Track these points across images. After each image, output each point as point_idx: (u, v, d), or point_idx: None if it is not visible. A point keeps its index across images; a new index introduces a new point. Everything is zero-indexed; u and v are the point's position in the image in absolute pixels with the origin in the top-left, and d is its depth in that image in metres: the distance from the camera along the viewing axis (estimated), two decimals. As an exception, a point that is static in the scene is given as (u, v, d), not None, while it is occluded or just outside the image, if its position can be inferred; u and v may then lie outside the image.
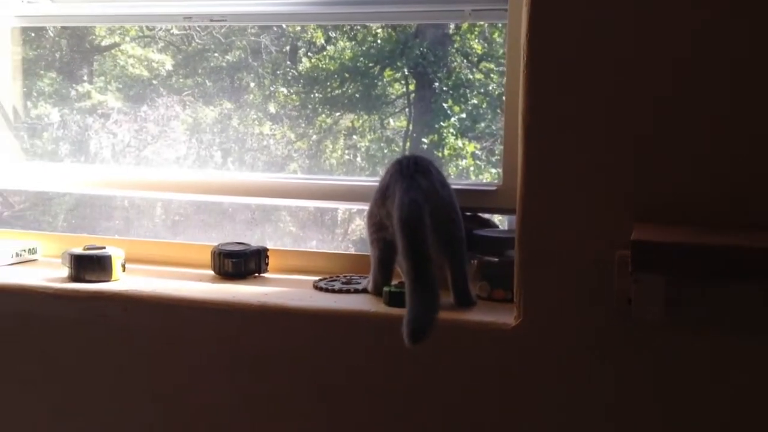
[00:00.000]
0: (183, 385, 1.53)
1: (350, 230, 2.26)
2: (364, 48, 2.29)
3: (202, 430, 1.53)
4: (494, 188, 1.59)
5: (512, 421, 1.36)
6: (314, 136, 2.31)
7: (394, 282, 1.48)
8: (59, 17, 2.02)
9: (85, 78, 2.40)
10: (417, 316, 1.27)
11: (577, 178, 1.29)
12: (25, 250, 1.80)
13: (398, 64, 2.25)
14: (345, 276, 1.64)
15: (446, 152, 2.16)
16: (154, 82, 2.41)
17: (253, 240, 1.74)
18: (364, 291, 1.54)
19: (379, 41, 2.27)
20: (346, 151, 2.33)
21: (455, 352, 1.36)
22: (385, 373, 1.41)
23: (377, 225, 1.47)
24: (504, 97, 1.56)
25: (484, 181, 2.12)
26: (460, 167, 2.19)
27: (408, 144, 2.26)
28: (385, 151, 2.31)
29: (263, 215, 2.13)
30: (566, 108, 1.29)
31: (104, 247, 1.64)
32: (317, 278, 1.62)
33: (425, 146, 2.21)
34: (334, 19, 2.04)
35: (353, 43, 2.32)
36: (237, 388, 1.49)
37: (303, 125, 2.31)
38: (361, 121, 2.31)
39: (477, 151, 2.23)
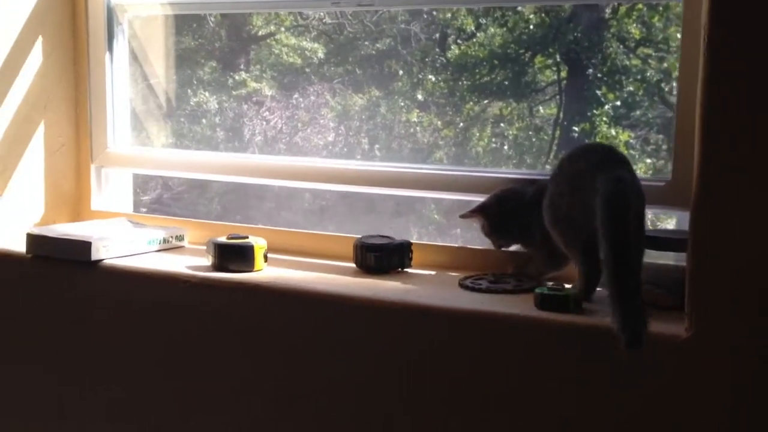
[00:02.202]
0: (316, 382, 1.51)
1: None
2: (515, 34, 2.24)
3: (336, 429, 1.51)
4: (663, 183, 1.47)
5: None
6: (461, 124, 2.28)
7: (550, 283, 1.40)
8: (213, 4, 2.09)
9: (242, 66, 2.49)
10: (626, 321, 1.15)
11: (760, 176, 1.16)
12: (172, 237, 1.82)
13: (550, 50, 2.19)
14: (494, 274, 1.55)
15: (599, 139, 2.08)
16: (307, 70, 2.46)
17: (397, 227, 1.73)
18: (515, 291, 1.46)
19: (531, 27, 2.21)
20: (493, 140, 2.29)
21: (619, 366, 1.25)
22: (531, 385, 1.33)
23: (566, 220, 1.37)
24: (676, 86, 1.45)
25: (650, 174, 2.01)
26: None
27: (558, 132, 2.19)
28: (533, 139, 2.25)
29: (407, 203, 2.13)
30: (752, 102, 1.16)
31: (247, 237, 1.64)
32: (463, 276, 1.55)
33: (576, 134, 2.13)
34: (485, 2, 2.00)
35: (504, 29, 2.27)
36: (373, 388, 1.46)
37: (450, 113, 2.29)
38: (509, 109, 2.27)
39: (631, 140, 2.13)
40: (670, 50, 2.09)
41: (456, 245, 1.71)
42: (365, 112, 2.31)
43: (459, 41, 2.35)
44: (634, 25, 2.11)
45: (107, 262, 1.67)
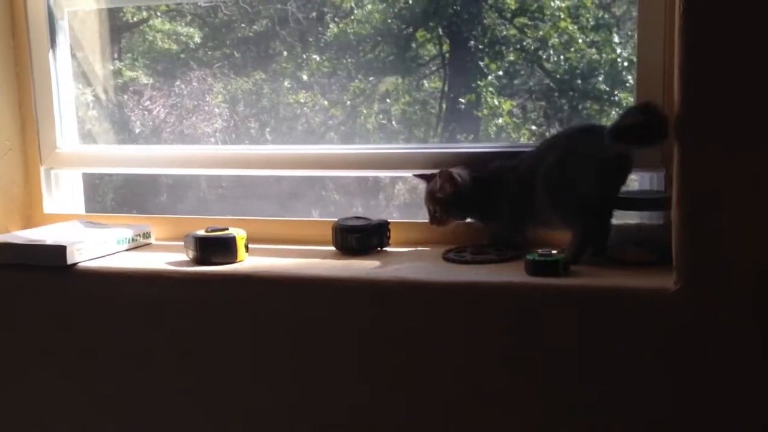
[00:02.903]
0: (319, 365, 1.50)
1: (393, 195, 2.25)
2: (395, 10, 2.25)
3: (340, 410, 1.51)
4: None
5: (682, 392, 1.32)
6: (348, 102, 2.29)
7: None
8: None
9: (115, 55, 2.38)
10: None
11: (742, 134, 1.23)
12: (140, 235, 1.78)
13: (431, 24, 2.22)
14: (473, 246, 1.59)
15: (485, 111, 2.14)
16: (182, 55, 2.39)
17: (298, 207, 1.72)
18: (500, 260, 1.51)
19: (410, 2, 2.23)
20: (380, 116, 2.31)
21: (610, 320, 1.32)
22: (534, 343, 1.37)
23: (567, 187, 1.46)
24: (636, 58, 1.55)
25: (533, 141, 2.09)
26: (498, 125, 2.17)
27: (444, 105, 2.24)
28: (421, 113, 2.28)
29: (307, 184, 2.12)
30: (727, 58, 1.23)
31: (227, 228, 1.61)
32: (444, 250, 1.58)
33: (462, 106, 2.18)
34: None
35: (383, 5, 2.28)
36: (377, 367, 1.46)
37: (336, 92, 2.28)
38: (395, 85, 2.29)
39: (513, 109, 2.20)
40: (544, 19, 2.17)
41: (428, 221, 1.71)
42: (251, 95, 2.28)
43: (336, 19, 2.34)
44: (509, -5, 2.18)
45: (83, 264, 1.61)
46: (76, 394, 1.69)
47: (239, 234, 1.60)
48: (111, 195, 2.32)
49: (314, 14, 2.34)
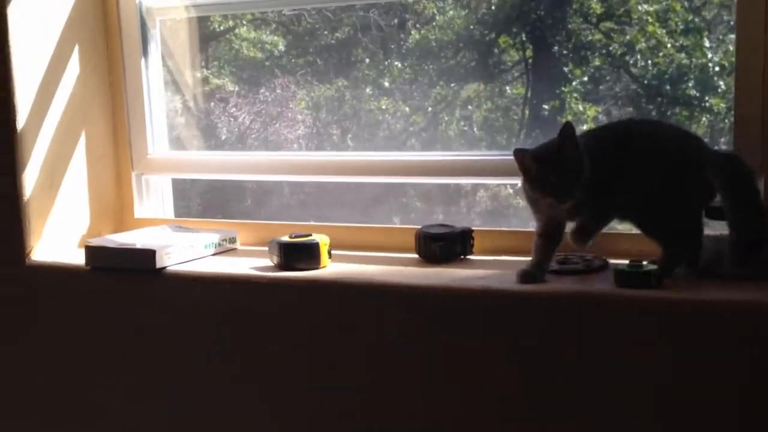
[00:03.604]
0: (400, 373, 1.50)
1: (475, 202, 2.23)
2: (477, 15, 2.24)
3: (417, 422, 1.50)
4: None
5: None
6: (430, 109, 2.28)
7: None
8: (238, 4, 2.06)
9: (203, 64, 2.44)
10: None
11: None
12: (226, 240, 1.82)
13: (514, 29, 2.19)
14: (558, 255, 1.53)
15: (569, 117, 2.10)
16: (267, 63, 2.43)
17: (378, 214, 1.72)
18: (586, 271, 1.48)
19: (492, 7, 2.22)
20: (462, 122, 2.29)
21: (704, 335, 1.29)
22: (624, 361, 1.34)
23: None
24: (735, 59, 1.50)
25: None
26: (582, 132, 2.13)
27: (527, 111, 2.21)
28: (503, 120, 2.26)
29: (388, 191, 2.12)
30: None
31: (310, 234, 1.63)
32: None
33: (546, 113, 2.15)
34: None
35: (466, 11, 2.27)
36: (461, 379, 1.46)
37: (418, 98, 2.28)
38: (477, 91, 2.27)
39: (599, 115, 2.16)
40: (631, 23, 2.12)
41: (515, 230, 1.71)
42: (333, 102, 2.30)
43: (418, 26, 2.34)
44: (595, 0, 2.14)
45: (171, 268, 1.66)
46: (161, 395, 1.73)
47: (323, 240, 1.61)
48: (197, 200, 2.38)
49: (396, 21, 2.35)
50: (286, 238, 1.62)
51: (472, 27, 2.26)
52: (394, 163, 1.83)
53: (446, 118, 2.28)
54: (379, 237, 1.77)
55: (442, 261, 1.61)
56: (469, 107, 2.26)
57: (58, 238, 1.87)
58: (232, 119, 2.37)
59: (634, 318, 1.32)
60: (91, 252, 1.71)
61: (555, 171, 1.35)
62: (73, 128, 1.91)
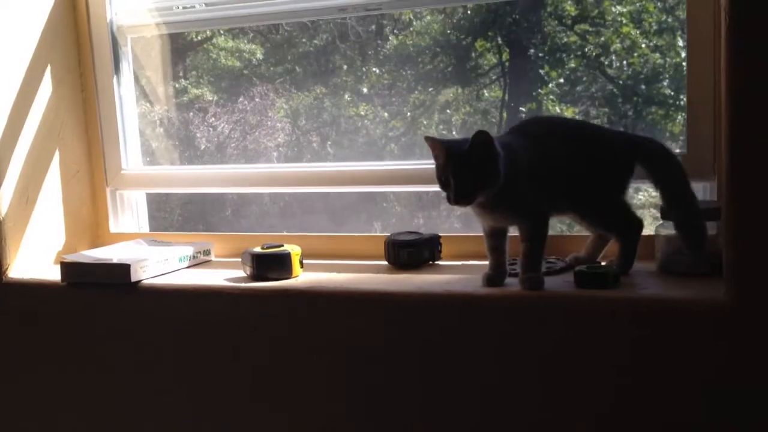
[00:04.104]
0: (373, 379, 1.52)
1: (452, 208, 2.24)
2: (453, 20, 2.25)
3: (398, 425, 1.52)
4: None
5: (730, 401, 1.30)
6: (408, 114, 2.29)
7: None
8: (211, 20, 2.06)
9: (181, 74, 2.44)
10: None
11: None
12: (200, 252, 1.84)
13: (490, 33, 2.21)
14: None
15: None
16: (245, 71, 2.43)
17: (359, 221, 1.74)
18: (550, 273, 1.50)
19: (469, 12, 2.23)
20: (441, 126, 2.31)
21: (664, 334, 1.31)
22: (587, 356, 1.36)
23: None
24: (686, 65, 1.55)
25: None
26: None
27: (505, 114, 2.22)
28: (482, 123, 2.27)
29: (368, 197, 2.13)
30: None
31: (282, 245, 1.65)
32: None
33: (523, 115, 2.17)
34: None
35: (442, 16, 2.28)
36: (434, 382, 1.47)
37: (396, 104, 2.29)
38: (454, 95, 2.28)
39: (575, 115, 2.17)
40: (606, 24, 2.13)
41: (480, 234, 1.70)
42: (312, 109, 2.30)
43: (396, 31, 2.35)
44: (569, 2, 2.15)
45: (146, 282, 1.67)
46: (137, 408, 1.74)
47: (294, 250, 1.63)
48: (178, 211, 2.37)
49: (374, 27, 2.36)
50: (258, 249, 1.64)
51: (449, 32, 2.27)
52: (372, 173, 1.84)
53: (425, 123, 2.29)
54: (350, 245, 1.80)
55: (411, 267, 1.63)
56: (448, 111, 2.27)
57: (34, 255, 1.87)
58: (211, 129, 2.37)
59: (592, 317, 1.34)
60: (67, 268, 1.72)
61: (458, 172, 1.37)
62: (47, 145, 1.92)
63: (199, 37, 2.44)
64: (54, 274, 1.76)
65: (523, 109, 2.16)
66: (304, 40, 2.39)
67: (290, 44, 2.42)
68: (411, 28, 2.33)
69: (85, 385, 1.78)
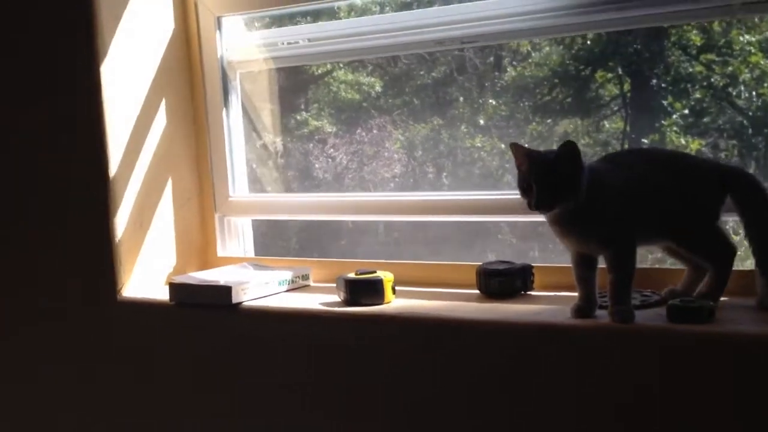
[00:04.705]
0: (459, 406, 1.53)
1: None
2: (572, 51, 2.22)
3: None
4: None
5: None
6: (526, 145, 2.27)
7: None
8: (316, 55, 2.15)
9: (302, 107, 2.52)
10: None
11: None
12: (299, 276, 1.91)
13: (610, 64, 2.17)
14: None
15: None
16: (364, 104, 2.48)
17: (473, 253, 1.74)
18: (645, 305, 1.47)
19: (588, 42, 2.20)
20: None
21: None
22: (673, 395, 1.33)
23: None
24: None
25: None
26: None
27: (626, 145, 2.17)
28: (601, 154, 2.22)
29: (483, 228, 2.13)
30: None
31: (375, 271, 1.69)
32: None
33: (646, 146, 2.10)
34: (576, 30, 1.97)
35: (561, 47, 2.26)
36: (517, 410, 1.47)
37: (513, 135, 2.28)
38: (574, 126, 2.25)
39: (702, 148, 2.09)
40: (733, 54, 2.05)
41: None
42: (428, 141, 2.32)
43: (514, 63, 2.34)
44: (694, 31, 2.09)
45: (246, 304, 1.75)
46: (237, 422, 1.80)
47: (386, 277, 1.66)
48: (294, 238, 2.44)
49: (492, 59, 2.36)
50: (351, 275, 1.68)
51: (567, 62, 2.25)
52: (486, 202, 1.83)
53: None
54: (443, 273, 1.82)
55: (502, 296, 1.62)
56: (566, 142, 2.24)
57: (146, 276, 1.98)
58: (330, 159, 2.43)
59: (685, 353, 1.30)
60: (175, 288, 1.83)
61: (541, 179, 1.39)
62: (160, 174, 2.03)
63: (320, 71, 2.51)
64: (164, 294, 1.87)
65: (646, 141, 2.10)
66: (422, 72, 2.42)
67: (408, 77, 2.46)
68: (530, 60, 2.32)
69: (192, 396, 1.87)
